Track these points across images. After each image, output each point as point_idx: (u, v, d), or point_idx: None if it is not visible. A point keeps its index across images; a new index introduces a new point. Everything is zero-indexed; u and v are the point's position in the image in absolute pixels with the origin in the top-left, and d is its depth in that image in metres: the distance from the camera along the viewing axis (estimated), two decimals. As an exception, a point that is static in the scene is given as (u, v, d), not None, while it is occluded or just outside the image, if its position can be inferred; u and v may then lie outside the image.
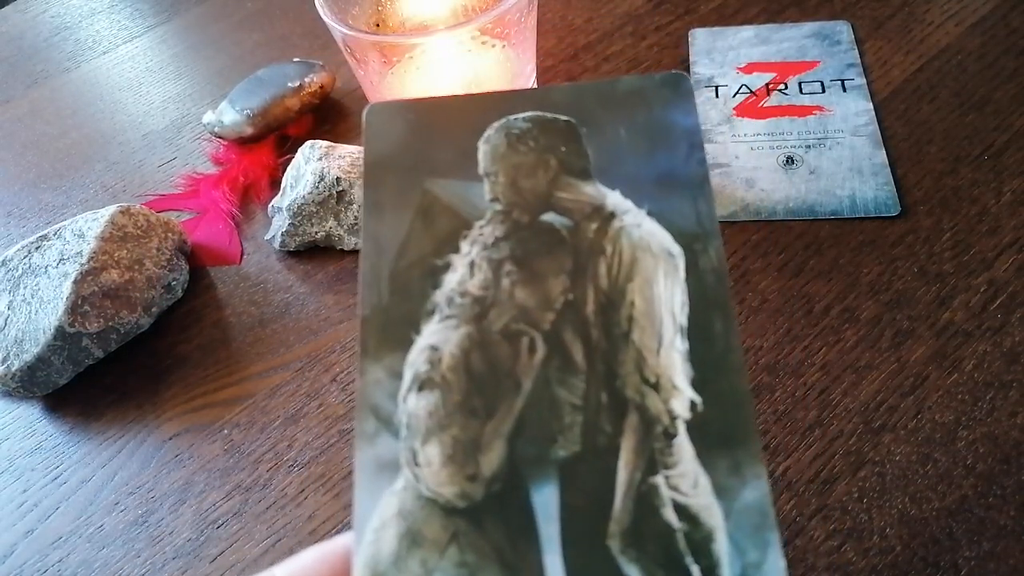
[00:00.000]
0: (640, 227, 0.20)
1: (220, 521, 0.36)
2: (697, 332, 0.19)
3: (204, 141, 0.54)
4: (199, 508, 0.37)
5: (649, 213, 0.20)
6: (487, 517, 0.17)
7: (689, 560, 0.17)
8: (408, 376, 0.19)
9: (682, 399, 0.18)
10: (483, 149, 0.21)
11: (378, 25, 0.45)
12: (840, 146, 0.46)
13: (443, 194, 0.21)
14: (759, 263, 0.42)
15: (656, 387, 0.18)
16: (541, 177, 0.21)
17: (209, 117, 0.52)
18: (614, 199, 0.21)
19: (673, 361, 0.18)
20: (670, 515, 0.17)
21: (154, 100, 0.58)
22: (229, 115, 0.51)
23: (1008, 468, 0.33)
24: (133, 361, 0.43)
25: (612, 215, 0.20)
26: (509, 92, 0.22)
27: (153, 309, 0.43)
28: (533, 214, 0.21)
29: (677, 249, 0.20)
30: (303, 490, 0.37)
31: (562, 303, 0.19)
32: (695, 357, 0.18)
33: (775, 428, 0.36)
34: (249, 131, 0.51)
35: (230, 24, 0.64)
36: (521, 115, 0.22)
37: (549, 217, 0.20)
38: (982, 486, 0.33)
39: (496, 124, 0.22)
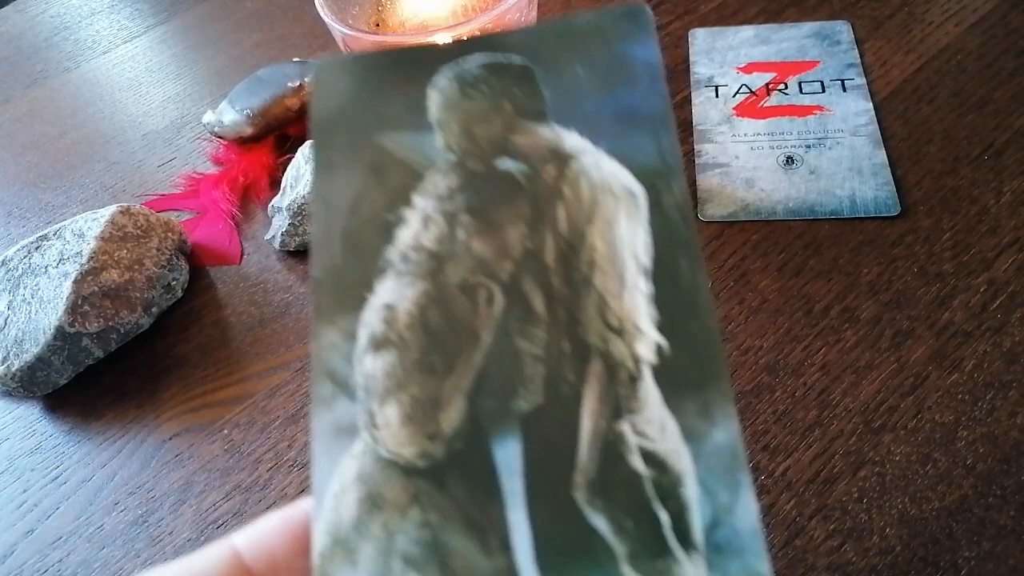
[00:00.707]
0: (599, 168, 0.19)
1: (220, 521, 0.36)
2: (662, 272, 0.18)
3: (204, 141, 0.54)
4: (199, 508, 0.37)
5: (609, 152, 0.19)
6: (449, 476, 0.17)
7: (657, 506, 0.16)
8: (363, 337, 0.18)
9: (647, 342, 0.18)
10: (434, 97, 0.21)
11: (378, 25, 0.45)
12: (840, 146, 0.46)
13: (395, 147, 0.20)
14: (759, 263, 0.42)
15: (619, 332, 0.18)
16: (495, 123, 0.20)
17: (209, 117, 0.52)
18: (572, 140, 0.20)
19: (636, 304, 0.18)
20: (637, 462, 0.17)
21: (154, 100, 0.58)
22: (229, 115, 0.51)
23: (1008, 468, 0.33)
24: (133, 361, 0.43)
25: (570, 157, 0.20)
26: (460, 40, 0.21)
27: (153, 309, 0.43)
28: (488, 162, 0.20)
29: (639, 188, 0.19)
30: (303, 490, 0.37)
31: (521, 252, 0.19)
32: (660, 298, 0.18)
33: (775, 428, 0.36)
34: (249, 131, 0.51)
35: (230, 24, 0.64)
36: (473, 60, 0.21)
37: (505, 164, 0.20)
38: (982, 486, 0.33)
39: (447, 71, 0.21)
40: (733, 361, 0.38)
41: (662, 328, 0.18)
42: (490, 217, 0.19)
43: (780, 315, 0.39)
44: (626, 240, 0.19)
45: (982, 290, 0.39)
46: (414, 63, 0.21)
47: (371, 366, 0.18)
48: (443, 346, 0.18)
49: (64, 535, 0.37)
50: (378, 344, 0.18)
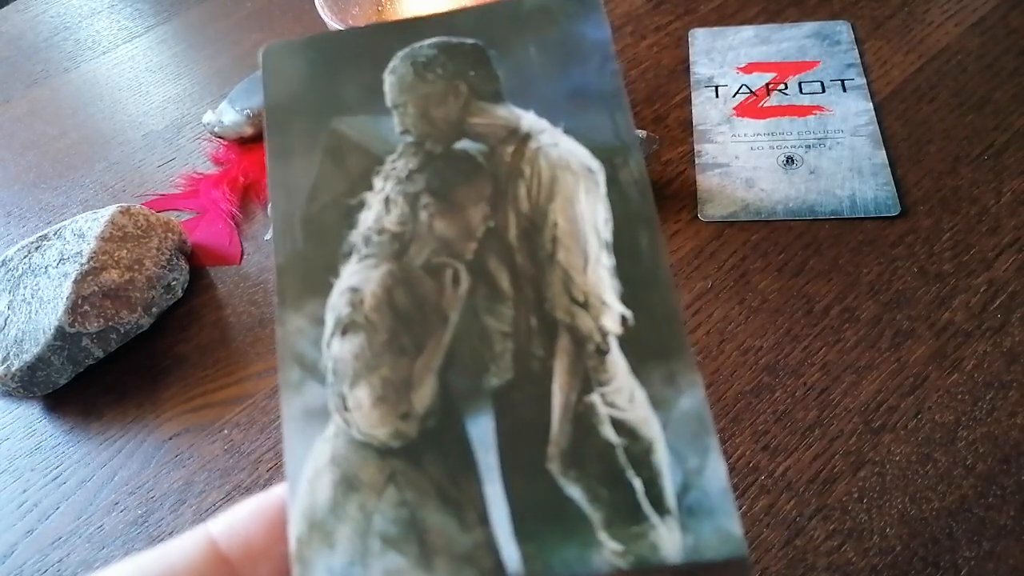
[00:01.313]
0: (557, 146, 0.20)
1: (220, 521, 0.36)
2: (623, 247, 0.19)
3: (204, 141, 0.54)
4: (199, 508, 0.37)
5: (566, 131, 0.20)
6: (424, 454, 0.17)
7: (630, 474, 0.17)
8: (330, 321, 0.18)
9: (612, 315, 0.18)
10: (389, 80, 0.21)
11: (378, 25, 0.45)
12: (840, 146, 0.46)
13: (351, 131, 0.20)
14: (759, 263, 0.42)
15: (585, 305, 0.18)
16: (452, 104, 0.20)
17: (209, 117, 0.52)
18: (529, 120, 0.20)
19: (600, 278, 0.18)
20: (608, 432, 0.17)
21: (154, 100, 0.58)
22: (229, 115, 0.51)
23: (1008, 468, 0.33)
24: (133, 361, 0.43)
25: (528, 136, 0.20)
26: (411, 19, 0.22)
27: (153, 309, 0.43)
28: (446, 143, 0.20)
29: (596, 164, 0.19)
30: (303, 490, 0.37)
31: (484, 231, 0.19)
32: (622, 272, 0.18)
33: (775, 428, 0.36)
34: (249, 131, 0.51)
35: (230, 24, 0.64)
36: (426, 42, 0.21)
37: (463, 144, 0.20)
38: (982, 486, 0.33)
39: (401, 53, 0.21)
40: (733, 361, 0.38)
41: (625, 300, 0.18)
42: (451, 197, 0.19)
43: (780, 315, 0.39)
44: (587, 216, 0.19)
45: (982, 290, 0.39)
46: (365, 45, 0.21)
47: (339, 349, 0.18)
48: (411, 327, 0.18)
49: (64, 535, 0.37)
50: (345, 327, 0.18)
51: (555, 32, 0.21)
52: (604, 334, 0.18)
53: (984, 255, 0.40)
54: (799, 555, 0.32)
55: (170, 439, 0.39)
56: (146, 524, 0.37)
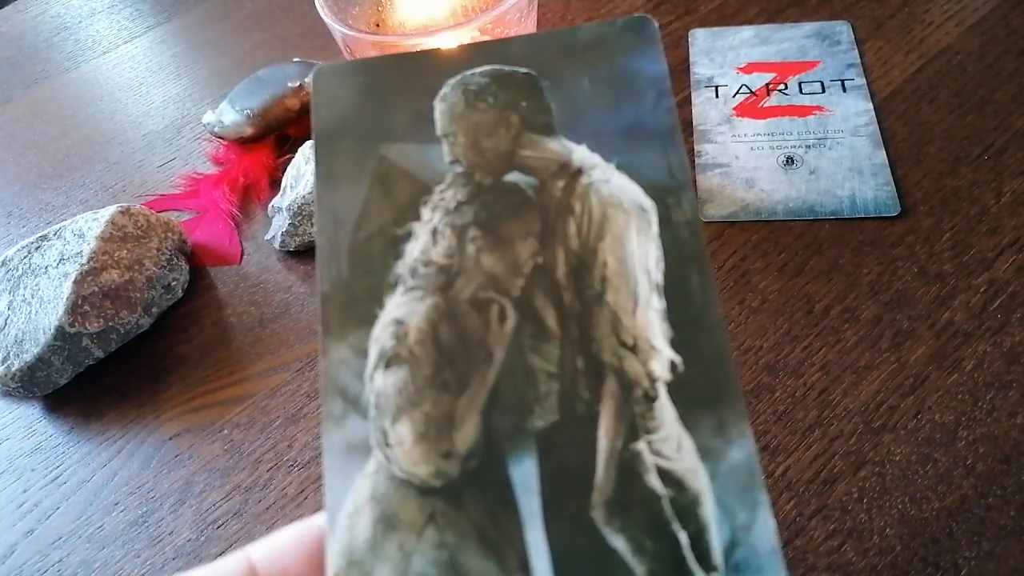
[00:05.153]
0: (609, 182, 0.19)
1: (220, 521, 0.36)
2: (673, 289, 0.18)
3: (204, 141, 0.54)
4: (199, 508, 0.37)
5: (618, 167, 0.19)
6: (465, 495, 0.17)
7: (676, 527, 0.16)
8: (374, 353, 0.18)
9: (661, 360, 0.17)
10: (440, 108, 0.20)
11: (378, 25, 0.45)
12: (840, 146, 0.46)
13: (400, 159, 0.20)
14: (759, 263, 0.42)
15: (634, 349, 0.18)
16: (503, 135, 0.20)
17: (209, 117, 0.52)
18: (581, 154, 0.19)
19: (650, 321, 0.18)
20: (654, 481, 0.17)
21: (154, 100, 0.58)
22: (229, 115, 0.51)
23: (1008, 468, 0.33)
24: (133, 361, 0.43)
25: (579, 171, 0.19)
26: (464, 47, 0.21)
27: (153, 309, 0.43)
28: (496, 175, 0.20)
29: (649, 203, 0.19)
30: (303, 490, 0.37)
31: (531, 267, 0.19)
32: (673, 315, 0.18)
33: (775, 428, 0.36)
34: (249, 131, 0.51)
35: (230, 24, 0.64)
36: (478, 70, 0.21)
37: (513, 177, 0.20)
38: (982, 486, 0.33)
39: (452, 81, 0.21)
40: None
41: (675, 345, 0.18)
42: (499, 231, 0.19)
43: (780, 315, 0.39)
44: (638, 256, 0.18)
45: (982, 290, 0.39)
46: (416, 71, 0.21)
47: (382, 383, 0.18)
48: (455, 362, 0.18)
49: (64, 535, 0.37)
50: (389, 360, 0.18)
51: (610, 65, 0.20)
52: (652, 380, 0.17)
53: (984, 255, 0.40)
54: (799, 555, 0.32)
55: (170, 439, 0.39)
56: (146, 524, 0.37)
